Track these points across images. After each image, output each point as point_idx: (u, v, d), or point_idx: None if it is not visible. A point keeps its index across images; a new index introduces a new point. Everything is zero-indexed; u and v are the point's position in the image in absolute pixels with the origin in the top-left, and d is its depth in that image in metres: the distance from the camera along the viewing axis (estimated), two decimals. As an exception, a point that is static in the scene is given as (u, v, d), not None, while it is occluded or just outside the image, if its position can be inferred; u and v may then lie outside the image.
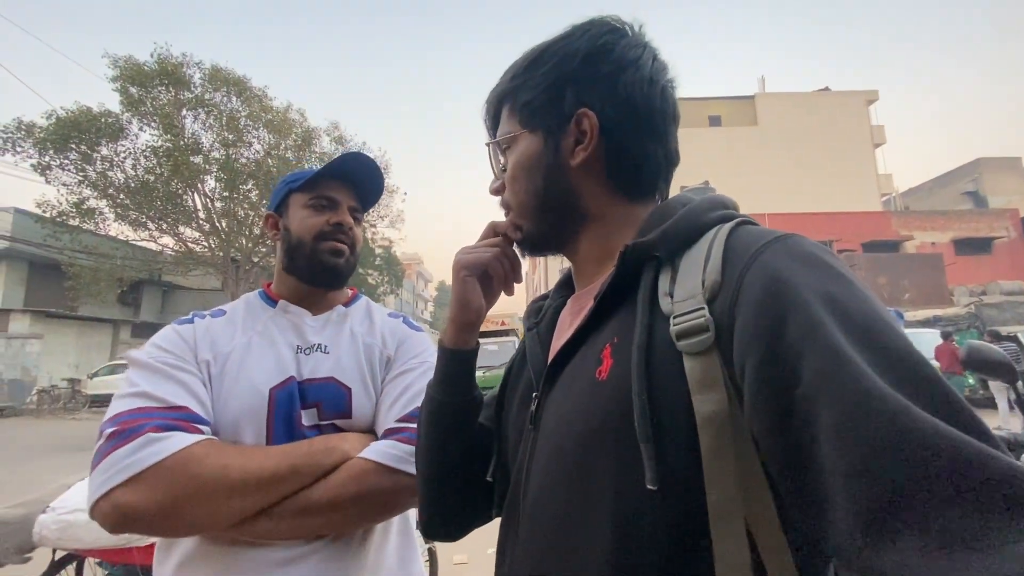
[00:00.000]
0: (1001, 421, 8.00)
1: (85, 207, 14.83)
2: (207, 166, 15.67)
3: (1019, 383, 1.74)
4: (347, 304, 1.14)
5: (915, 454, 0.33)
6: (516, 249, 0.72)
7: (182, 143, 14.96)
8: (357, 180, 1.12)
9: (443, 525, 0.76)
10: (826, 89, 30.42)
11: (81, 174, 14.59)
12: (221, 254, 16.38)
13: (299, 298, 1.09)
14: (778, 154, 27.01)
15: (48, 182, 14.39)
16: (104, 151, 14.76)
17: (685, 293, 0.49)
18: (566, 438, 0.54)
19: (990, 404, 9.06)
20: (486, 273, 0.72)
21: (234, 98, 16.02)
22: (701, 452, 0.43)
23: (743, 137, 27.30)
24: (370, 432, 0.99)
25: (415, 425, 0.92)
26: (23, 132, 13.80)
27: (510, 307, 19.27)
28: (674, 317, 0.48)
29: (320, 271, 1.07)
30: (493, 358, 12.91)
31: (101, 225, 15.50)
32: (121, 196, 15.08)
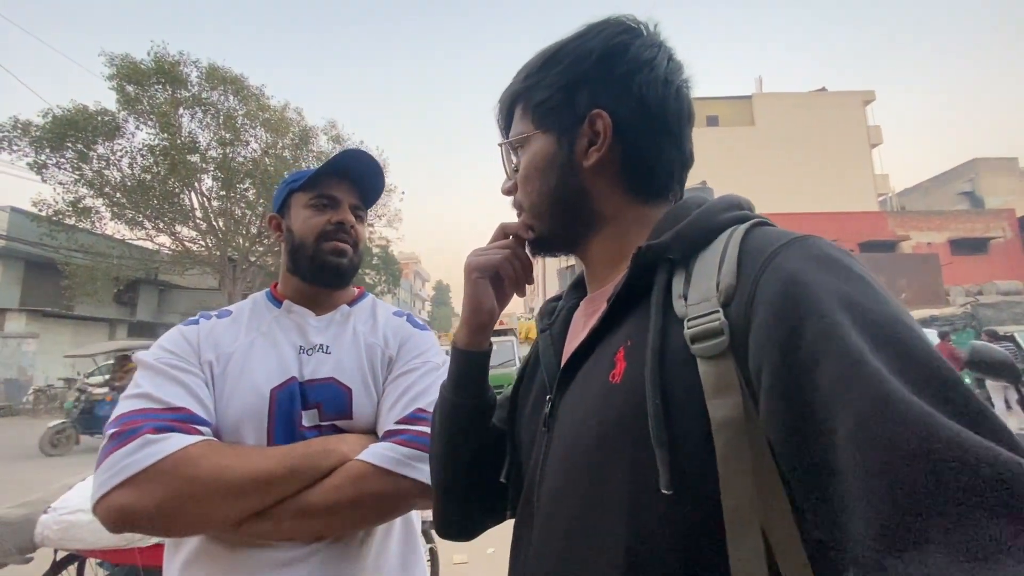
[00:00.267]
0: (999, 420, 8.01)
1: (81, 206, 14.76)
2: (204, 165, 15.61)
3: (1022, 383, 1.75)
4: (352, 303, 1.13)
5: (938, 461, 0.32)
6: (527, 250, 0.72)
7: (179, 142, 14.89)
8: (357, 177, 1.11)
9: (456, 525, 0.76)
10: (823, 89, 30.41)
11: (77, 173, 14.52)
12: (218, 253, 16.32)
13: (304, 298, 1.09)
14: (775, 154, 27.01)
15: (44, 181, 14.32)
16: (100, 150, 14.69)
17: (699, 296, 0.48)
18: (580, 441, 0.53)
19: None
20: (497, 274, 0.71)
21: (231, 97, 15.95)
22: (716, 457, 0.43)
23: (740, 137, 27.29)
24: (371, 433, 0.99)
25: (416, 427, 0.93)
26: (19, 130, 13.72)
27: (508, 306, 19.23)
28: (688, 320, 0.47)
29: (323, 271, 1.07)
30: (492, 358, 12.89)
31: (97, 224, 15.43)
32: (117, 195, 15.01)
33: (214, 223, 16.24)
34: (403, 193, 19.57)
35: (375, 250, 22.09)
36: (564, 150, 0.63)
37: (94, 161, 14.64)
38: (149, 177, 15.07)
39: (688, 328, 0.47)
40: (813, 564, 0.41)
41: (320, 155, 16.77)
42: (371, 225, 18.98)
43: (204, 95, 15.53)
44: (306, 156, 16.80)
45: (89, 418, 9.68)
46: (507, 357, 12.25)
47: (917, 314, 14.01)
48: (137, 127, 15.11)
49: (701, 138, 26.51)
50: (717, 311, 0.46)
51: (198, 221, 16.21)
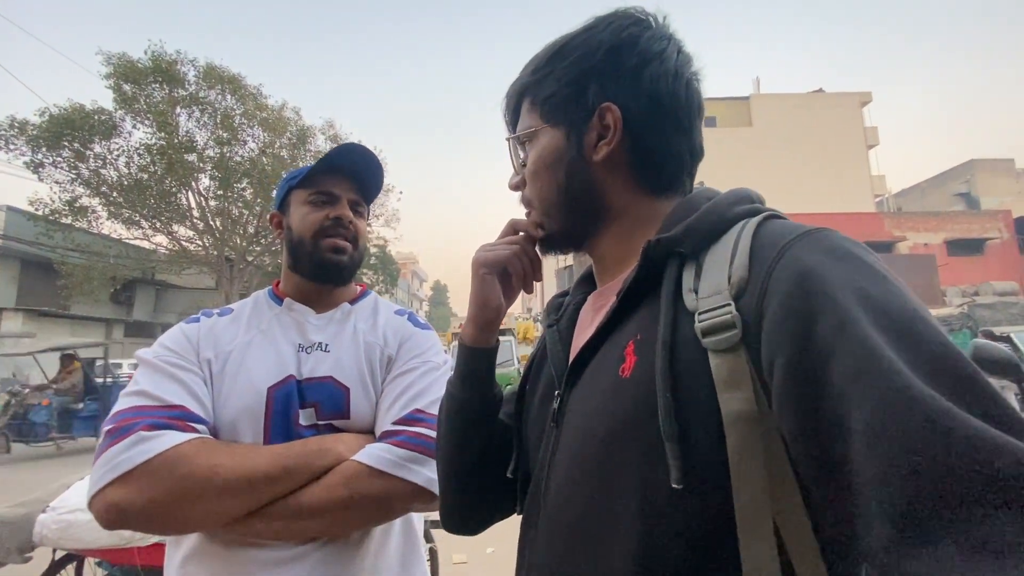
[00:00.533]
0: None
1: (78, 205, 14.69)
2: (201, 164, 15.54)
3: None
4: (353, 301, 1.12)
5: (954, 456, 0.31)
6: (537, 249, 0.71)
7: (176, 141, 14.83)
8: (356, 172, 1.10)
9: (462, 520, 0.76)
10: (820, 91, 30.51)
11: (74, 172, 14.45)
12: (215, 253, 16.27)
13: (304, 296, 1.08)
14: (773, 155, 27.07)
15: (41, 180, 14.25)
16: (97, 149, 14.62)
17: (711, 289, 0.48)
18: (589, 436, 0.53)
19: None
20: (505, 271, 0.71)
21: (228, 96, 15.88)
22: (728, 451, 0.42)
23: (738, 138, 27.30)
24: (369, 433, 0.98)
25: (413, 428, 0.93)
26: (16, 129, 13.64)
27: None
28: (699, 314, 0.47)
29: (322, 268, 1.06)
30: None
31: (94, 223, 15.36)
32: (114, 194, 14.94)
33: (211, 223, 16.18)
34: (401, 193, 19.43)
35: (373, 250, 22.05)
36: (573, 144, 0.62)
37: (91, 160, 14.57)
38: (146, 176, 15.00)
39: (699, 321, 0.46)
40: (827, 559, 0.41)
41: (318, 155, 16.59)
42: (369, 225, 18.90)
43: (201, 94, 15.46)
44: (304, 156, 16.73)
45: (23, 424, 9.21)
46: (505, 357, 12.25)
47: (914, 314, 14.01)
48: (134, 126, 15.03)
49: (699, 139, 26.55)
50: (729, 304, 0.45)
51: (195, 221, 16.15)
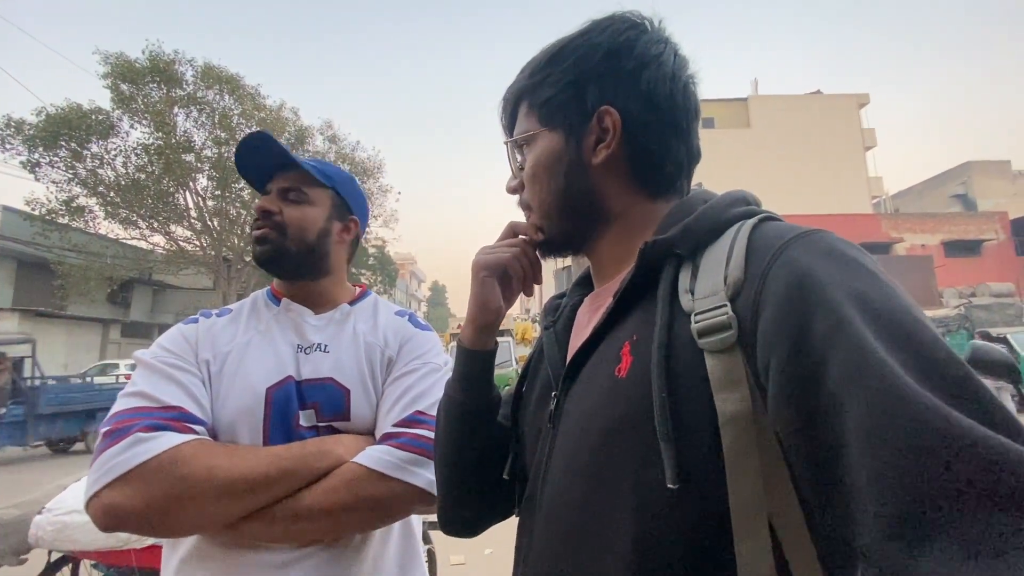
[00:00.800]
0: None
1: (75, 205, 14.67)
2: (199, 164, 15.55)
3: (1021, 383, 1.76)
4: (353, 302, 1.12)
5: (949, 456, 0.32)
6: (536, 252, 0.71)
7: (174, 141, 14.83)
8: (268, 156, 1.08)
9: (460, 522, 0.76)
10: (818, 92, 30.61)
11: (71, 172, 14.43)
12: (213, 253, 16.26)
13: (296, 295, 1.08)
14: (771, 156, 27.13)
15: (38, 180, 14.24)
16: (94, 148, 14.61)
17: (707, 290, 0.48)
18: (585, 436, 0.53)
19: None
20: (505, 273, 0.71)
21: (227, 96, 15.88)
22: (723, 451, 0.43)
23: (737, 139, 27.37)
24: (369, 435, 0.97)
25: (414, 430, 0.92)
26: (12, 129, 13.63)
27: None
28: (695, 314, 0.47)
29: (257, 262, 1.07)
30: None
31: (91, 223, 15.34)
32: (111, 194, 14.92)
33: (209, 223, 16.17)
34: (399, 193, 19.42)
35: (371, 251, 22.05)
36: (572, 147, 0.62)
37: (88, 160, 14.56)
38: (143, 176, 14.99)
39: (696, 322, 0.47)
40: (823, 559, 0.41)
41: (316, 155, 16.72)
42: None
43: (199, 94, 15.45)
44: (302, 156, 16.73)
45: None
46: (503, 358, 12.27)
47: (911, 316, 14.06)
48: (132, 126, 15.03)
49: (697, 140, 26.61)
50: (725, 305, 0.46)
51: (193, 221, 16.13)
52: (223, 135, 15.51)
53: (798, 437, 0.39)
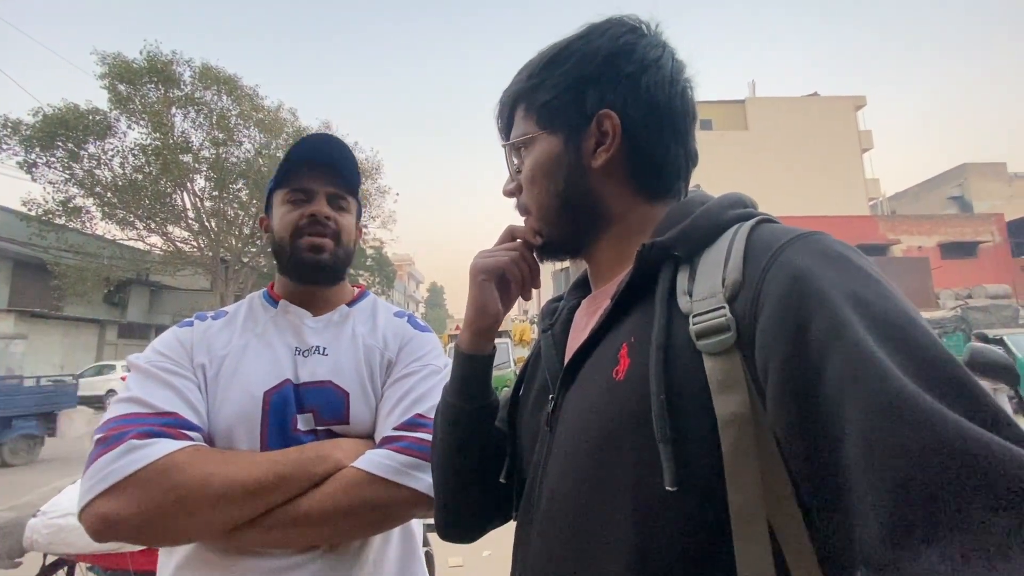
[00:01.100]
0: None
1: (71, 205, 14.66)
2: (196, 165, 15.55)
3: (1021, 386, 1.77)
4: (351, 303, 1.10)
5: (949, 459, 0.31)
6: (535, 256, 0.71)
7: (171, 141, 14.83)
8: (329, 162, 1.05)
9: (459, 527, 0.76)
10: (815, 94, 30.72)
11: (68, 172, 14.43)
12: (210, 254, 16.25)
13: (298, 298, 1.06)
14: (768, 158, 27.21)
15: (34, 180, 14.23)
16: (92, 149, 14.62)
17: (705, 292, 0.48)
18: (583, 439, 0.53)
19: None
20: (503, 277, 0.71)
21: (224, 96, 15.90)
22: (722, 453, 0.42)
23: (734, 141, 27.44)
24: (369, 438, 0.96)
25: (414, 434, 0.91)
26: (9, 129, 13.65)
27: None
28: (693, 316, 0.47)
29: (303, 268, 1.03)
30: None
31: (88, 224, 15.35)
32: (108, 195, 14.92)
33: (206, 223, 16.15)
34: (397, 194, 19.41)
35: (369, 252, 22.05)
36: (571, 151, 0.62)
37: (85, 160, 14.56)
38: (141, 177, 14.98)
39: (693, 324, 0.47)
40: (822, 562, 0.41)
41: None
42: (365, 226, 18.95)
43: (197, 95, 15.46)
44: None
45: None
46: (501, 359, 12.28)
47: (908, 317, 14.12)
48: (129, 126, 15.06)
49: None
50: (723, 307, 0.46)
51: (190, 221, 16.12)
52: (221, 136, 15.51)
53: (797, 439, 0.39)
